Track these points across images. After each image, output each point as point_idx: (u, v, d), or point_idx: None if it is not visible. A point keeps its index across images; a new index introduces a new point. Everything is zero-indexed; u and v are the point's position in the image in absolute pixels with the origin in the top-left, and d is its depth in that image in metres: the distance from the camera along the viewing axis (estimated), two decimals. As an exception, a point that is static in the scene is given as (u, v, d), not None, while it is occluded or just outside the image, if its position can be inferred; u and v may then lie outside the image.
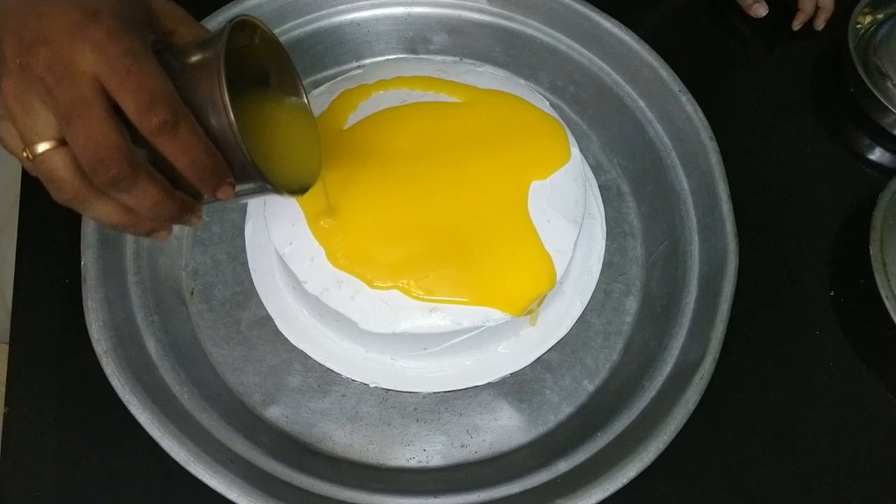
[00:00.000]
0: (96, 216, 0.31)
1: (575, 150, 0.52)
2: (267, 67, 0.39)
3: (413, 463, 0.48)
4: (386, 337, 0.46)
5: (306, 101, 0.40)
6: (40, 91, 0.29)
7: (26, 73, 0.29)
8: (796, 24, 0.67)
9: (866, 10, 0.66)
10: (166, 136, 0.30)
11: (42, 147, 0.29)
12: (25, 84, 0.29)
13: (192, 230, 0.54)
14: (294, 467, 0.45)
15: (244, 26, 0.35)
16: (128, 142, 0.29)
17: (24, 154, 0.30)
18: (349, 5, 0.59)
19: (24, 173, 0.55)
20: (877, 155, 0.63)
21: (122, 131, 0.29)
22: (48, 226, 0.53)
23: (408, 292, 0.45)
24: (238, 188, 0.34)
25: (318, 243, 0.47)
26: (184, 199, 0.33)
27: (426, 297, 0.45)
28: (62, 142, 0.29)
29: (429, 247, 0.47)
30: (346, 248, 0.47)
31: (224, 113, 0.31)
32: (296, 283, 0.47)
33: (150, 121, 0.29)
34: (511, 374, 0.50)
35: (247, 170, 0.33)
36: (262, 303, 0.52)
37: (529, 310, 0.48)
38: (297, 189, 0.38)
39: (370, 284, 0.46)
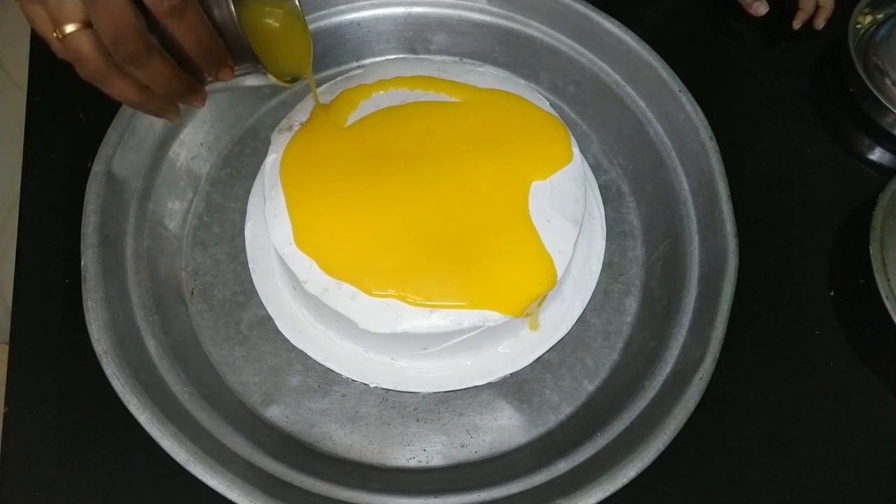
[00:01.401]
0: (115, 92, 0.36)
1: (576, 151, 0.52)
2: None
3: (413, 463, 0.48)
4: (386, 337, 0.46)
5: (298, 6, 0.44)
6: None
7: None
8: (797, 23, 0.67)
9: (866, 10, 0.66)
10: (176, 18, 0.34)
11: (69, 28, 0.33)
12: None
13: (191, 230, 0.54)
14: (294, 467, 0.45)
15: None
16: (143, 24, 0.34)
17: (54, 34, 0.34)
18: (349, 5, 0.59)
19: (24, 175, 0.55)
20: (877, 155, 0.63)
21: (139, 15, 0.33)
22: (48, 226, 0.53)
23: (404, 299, 0.45)
24: (236, 70, 0.38)
25: (308, 257, 0.47)
26: (190, 79, 0.37)
27: (425, 303, 0.45)
28: (87, 24, 0.33)
29: (427, 250, 0.47)
30: (341, 258, 0.47)
31: (224, 2, 0.36)
32: (296, 283, 0.47)
33: (161, 5, 0.34)
34: (511, 374, 0.50)
35: (244, 54, 0.38)
36: (262, 303, 0.52)
37: (528, 311, 0.48)
38: (289, 78, 0.43)
39: (368, 293, 0.46)
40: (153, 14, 0.34)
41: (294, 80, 0.44)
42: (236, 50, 0.38)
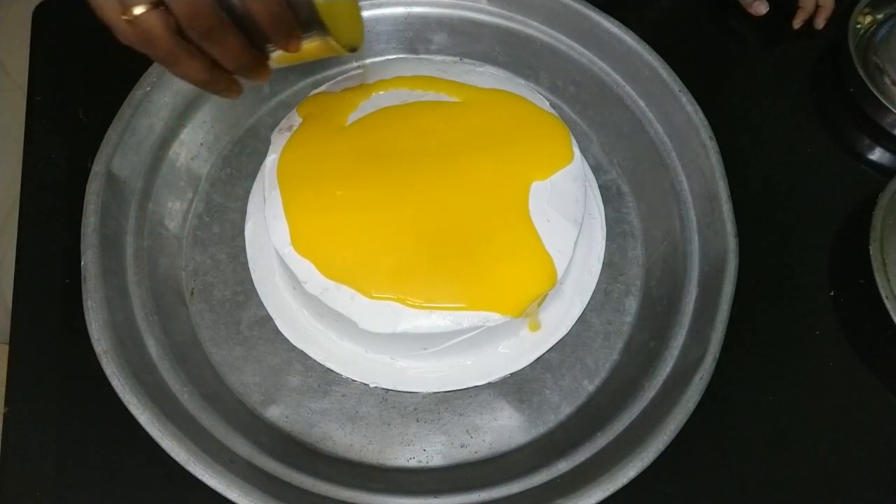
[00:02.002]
0: (184, 72, 0.36)
1: (576, 151, 0.52)
2: None
3: (413, 463, 0.48)
4: (386, 337, 0.46)
5: None
6: None
7: None
8: (797, 23, 0.67)
9: (866, 10, 0.66)
10: None
11: (139, 10, 0.34)
12: None
13: (191, 230, 0.54)
14: (294, 467, 0.45)
15: None
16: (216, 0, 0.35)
17: (123, 17, 0.34)
18: (349, 5, 0.59)
19: (24, 174, 0.55)
20: (877, 155, 0.63)
21: None
22: (48, 226, 0.53)
23: (404, 301, 0.45)
24: (304, 41, 0.39)
25: (306, 261, 0.46)
26: (257, 54, 0.38)
27: (424, 306, 0.45)
28: (156, 4, 0.34)
29: (426, 251, 0.47)
30: (340, 261, 0.46)
31: None
32: (296, 283, 0.47)
33: None
34: (511, 374, 0.50)
35: (312, 25, 0.39)
36: (262, 303, 0.52)
37: (528, 311, 0.48)
38: (349, 48, 0.44)
39: (367, 295, 0.46)
40: None
41: (353, 49, 0.45)
42: (304, 22, 0.39)
